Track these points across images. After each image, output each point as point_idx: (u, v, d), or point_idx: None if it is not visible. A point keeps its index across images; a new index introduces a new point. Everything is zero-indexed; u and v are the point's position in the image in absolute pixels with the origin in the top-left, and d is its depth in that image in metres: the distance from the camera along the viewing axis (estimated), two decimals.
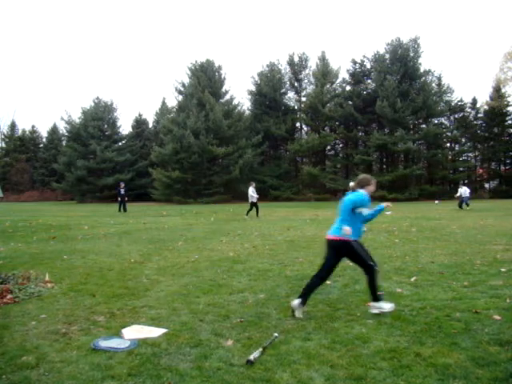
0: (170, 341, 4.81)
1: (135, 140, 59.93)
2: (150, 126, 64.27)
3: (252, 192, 23.07)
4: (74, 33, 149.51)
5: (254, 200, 23.13)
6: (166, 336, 4.96)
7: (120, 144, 60.32)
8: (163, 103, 63.65)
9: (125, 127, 66.41)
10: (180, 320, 5.56)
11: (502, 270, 8.23)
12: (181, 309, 6.07)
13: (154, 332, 5.08)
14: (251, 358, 4.22)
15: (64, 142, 64.72)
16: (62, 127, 63.61)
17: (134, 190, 55.35)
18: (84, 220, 22.70)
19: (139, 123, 62.93)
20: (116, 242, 13.46)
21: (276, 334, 4.83)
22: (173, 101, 74.83)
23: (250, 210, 23.16)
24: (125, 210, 30.11)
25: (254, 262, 9.60)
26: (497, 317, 5.40)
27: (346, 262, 9.27)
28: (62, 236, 15.20)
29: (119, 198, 31.20)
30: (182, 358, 4.36)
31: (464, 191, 29.26)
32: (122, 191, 30.91)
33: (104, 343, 4.69)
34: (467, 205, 28.75)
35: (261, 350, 4.41)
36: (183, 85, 52.87)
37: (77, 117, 59.35)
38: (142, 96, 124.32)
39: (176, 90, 53.49)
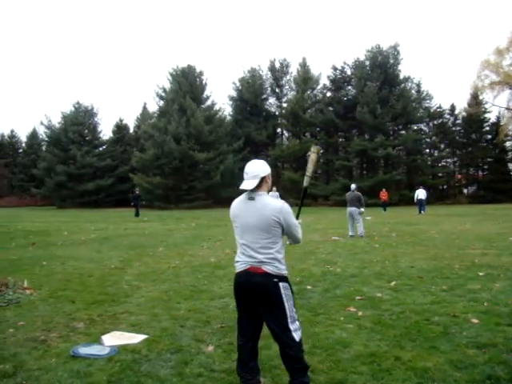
0: (151, 347, 4.78)
1: (116, 145, 59.24)
2: (131, 131, 63.50)
3: (277, 197, 23.59)
4: (55, 36, 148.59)
5: None
6: (147, 342, 4.93)
7: (100, 149, 59.62)
8: (144, 108, 63.20)
9: (105, 132, 66.26)
10: (160, 326, 5.54)
11: (480, 274, 8.33)
12: (161, 315, 6.04)
13: (134, 338, 5.05)
14: None
15: (44, 147, 63.71)
16: (42, 132, 62.52)
17: (114, 195, 54.95)
18: (64, 226, 22.48)
19: (120, 128, 62.20)
20: (96, 248, 13.36)
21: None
22: (154, 106, 74.37)
23: None
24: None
25: (234, 268, 9.56)
26: (475, 320, 5.46)
27: (326, 267, 9.34)
28: (41, 242, 15.04)
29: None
30: (163, 365, 4.33)
31: (420, 194, 29.98)
32: None
33: (83, 350, 4.64)
34: (422, 211, 29.17)
35: None
36: (164, 90, 52.56)
37: (57, 121, 58.49)
38: (123, 101, 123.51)
39: (157, 95, 53.18)
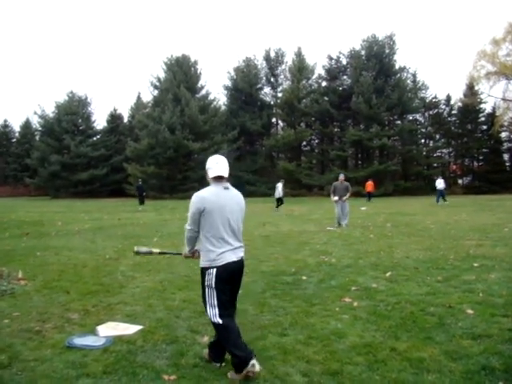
0: (146, 338, 4.77)
1: (110, 135, 58.95)
2: (125, 120, 63.15)
3: (280, 188, 24.85)
4: (49, 25, 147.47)
5: (281, 195, 24.93)
6: (142, 333, 4.92)
7: (94, 139, 59.42)
8: (138, 98, 62.94)
9: (99, 122, 65.33)
10: (156, 316, 5.53)
11: (475, 264, 8.35)
12: (156, 305, 6.04)
13: (130, 329, 5.03)
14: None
15: (37, 137, 63.44)
16: (36, 122, 62.35)
17: (108, 185, 54.85)
18: (58, 216, 22.42)
19: (114, 118, 61.89)
20: (90, 238, 13.33)
21: None
22: (148, 96, 74.05)
23: (279, 204, 24.84)
24: None
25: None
26: (470, 311, 5.47)
27: (321, 258, 9.34)
28: (35, 232, 14.99)
29: None
30: (158, 355, 4.33)
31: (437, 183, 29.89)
32: None
33: (79, 341, 4.63)
34: (444, 200, 29.08)
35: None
36: (159, 79, 52.37)
37: (50, 111, 58.52)
38: (117, 90, 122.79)
39: (151, 84, 53.02)
